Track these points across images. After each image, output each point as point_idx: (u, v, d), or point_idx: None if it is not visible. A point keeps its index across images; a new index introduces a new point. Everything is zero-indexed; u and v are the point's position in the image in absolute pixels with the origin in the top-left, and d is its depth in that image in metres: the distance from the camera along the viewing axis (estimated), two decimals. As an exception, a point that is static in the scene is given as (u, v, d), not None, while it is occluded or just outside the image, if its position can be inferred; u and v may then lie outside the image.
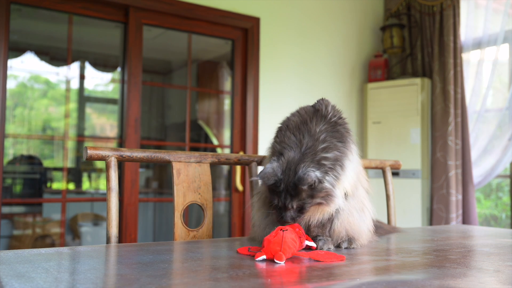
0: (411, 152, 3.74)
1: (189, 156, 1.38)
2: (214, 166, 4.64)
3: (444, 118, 3.67)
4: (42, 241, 4.48)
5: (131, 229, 3.13)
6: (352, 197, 1.09)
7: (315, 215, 1.03)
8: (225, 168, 4.62)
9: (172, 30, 3.52)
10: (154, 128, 6.28)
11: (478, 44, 3.70)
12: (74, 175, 5.79)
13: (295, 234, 0.97)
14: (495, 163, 3.56)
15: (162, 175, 5.81)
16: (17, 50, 4.81)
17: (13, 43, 4.40)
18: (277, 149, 1.03)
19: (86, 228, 4.98)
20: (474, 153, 3.68)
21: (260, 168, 1.22)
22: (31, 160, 5.49)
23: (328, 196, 0.99)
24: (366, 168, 1.71)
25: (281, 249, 0.90)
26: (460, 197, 3.61)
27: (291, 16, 3.82)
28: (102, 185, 5.89)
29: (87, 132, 6.05)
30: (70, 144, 5.38)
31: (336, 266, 0.87)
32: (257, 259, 0.91)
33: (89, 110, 6.09)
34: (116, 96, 6.07)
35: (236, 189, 3.59)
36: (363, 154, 4.06)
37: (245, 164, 1.49)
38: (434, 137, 3.74)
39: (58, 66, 5.17)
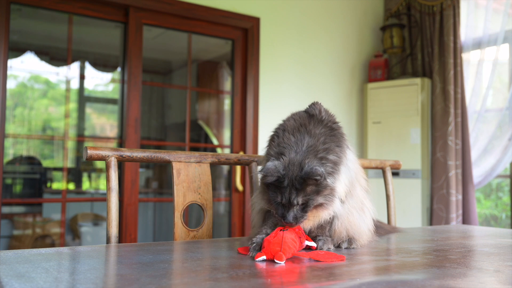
0: (411, 152, 3.74)
1: (189, 156, 1.38)
2: (214, 166, 4.64)
3: (444, 118, 3.67)
4: (42, 241, 4.48)
5: (131, 229, 3.13)
6: (350, 197, 1.08)
7: (314, 218, 1.02)
8: (225, 168, 4.62)
9: (172, 30, 3.52)
10: (154, 128, 6.28)
11: (478, 44, 3.70)
12: (74, 175, 5.79)
13: (295, 234, 0.97)
14: (495, 163, 3.56)
15: (162, 175, 5.81)
16: (17, 50, 4.81)
17: (13, 43, 4.40)
18: (275, 151, 1.02)
19: (86, 228, 4.98)
20: (474, 153, 3.68)
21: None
22: (30, 160, 5.49)
23: (330, 196, 0.98)
24: (366, 168, 1.71)
25: (281, 249, 0.90)
26: (460, 197, 3.61)
27: (291, 16, 3.82)
28: (102, 185, 5.89)
29: (87, 132, 6.05)
30: (70, 144, 5.38)
31: (336, 266, 0.87)
32: (257, 259, 0.91)
33: (89, 110, 6.10)
34: (116, 96, 6.07)
35: (236, 189, 3.59)
36: (363, 154, 4.06)
37: (245, 164, 1.49)
38: (434, 137, 3.74)
39: (58, 66, 5.17)
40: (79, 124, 5.81)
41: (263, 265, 0.87)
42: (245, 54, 3.63)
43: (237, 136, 3.60)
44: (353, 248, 1.08)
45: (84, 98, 5.94)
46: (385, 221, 1.62)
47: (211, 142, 5.42)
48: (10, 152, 5.39)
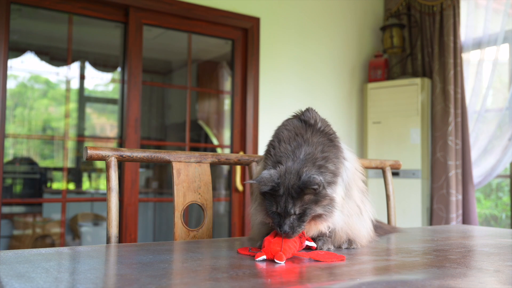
0: (411, 152, 3.74)
1: (189, 156, 1.38)
2: (214, 166, 4.64)
3: (444, 118, 3.67)
4: (42, 241, 4.48)
5: (131, 229, 3.13)
6: (349, 201, 1.07)
7: (313, 231, 0.99)
8: (225, 168, 4.62)
9: (172, 30, 3.52)
10: (154, 128, 6.28)
11: (478, 44, 3.70)
12: (74, 175, 5.79)
13: (295, 234, 0.96)
14: (495, 163, 3.56)
15: (162, 175, 5.81)
16: (17, 50, 4.81)
17: (13, 43, 4.40)
18: (272, 161, 0.98)
19: (86, 228, 4.98)
20: (474, 153, 3.68)
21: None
22: (27, 161, 5.49)
23: (330, 207, 0.95)
24: (366, 168, 1.71)
25: (281, 249, 0.90)
26: (460, 197, 3.61)
27: (291, 16, 3.82)
28: (102, 185, 5.89)
29: (87, 132, 6.05)
30: (70, 144, 5.38)
31: (336, 266, 0.87)
32: (257, 259, 0.91)
33: (89, 110, 6.10)
34: (116, 96, 6.07)
35: (236, 189, 3.59)
36: (363, 154, 4.06)
37: (245, 164, 1.49)
38: (434, 137, 3.74)
39: (58, 66, 5.17)
40: (79, 124, 5.81)
41: (263, 265, 0.87)
42: (245, 54, 3.63)
43: (237, 136, 3.60)
44: (353, 248, 1.08)
45: (84, 98, 5.94)
46: (385, 221, 1.62)
47: (211, 142, 5.42)
48: (10, 152, 5.39)
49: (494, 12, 3.67)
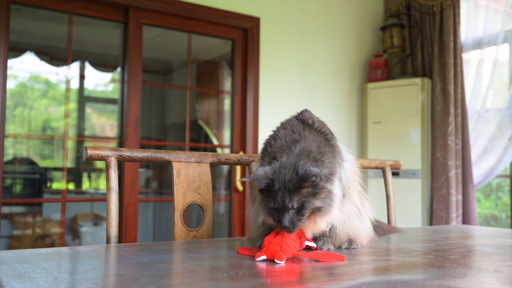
0: (411, 152, 3.74)
1: (189, 156, 1.37)
2: (214, 166, 4.64)
3: (444, 118, 3.67)
4: (42, 241, 4.48)
5: (131, 229, 3.13)
6: (348, 201, 1.07)
7: (313, 228, 0.98)
8: (225, 168, 4.62)
9: (172, 30, 3.52)
10: (154, 128, 6.28)
11: (478, 44, 3.70)
12: (74, 175, 5.79)
13: (295, 234, 0.96)
14: (495, 163, 3.56)
15: (162, 175, 5.81)
16: (17, 50, 4.81)
17: (13, 43, 4.40)
18: (268, 157, 0.98)
19: (86, 228, 4.98)
20: (474, 153, 3.68)
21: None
22: (27, 161, 5.49)
23: (328, 200, 0.94)
24: (366, 168, 1.71)
25: (281, 249, 0.90)
26: (460, 197, 3.61)
27: (291, 16, 3.82)
28: (102, 185, 5.89)
29: (87, 132, 6.05)
30: (70, 144, 5.38)
31: (336, 266, 0.87)
32: (257, 259, 0.91)
33: (89, 110, 6.10)
34: (116, 96, 6.07)
35: (236, 189, 3.59)
36: (363, 154, 4.06)
37: (245, 164, 1.49)
38: (434, 137, 3.74)
39: (58, 66, 5.17)
40: (79, 124, 5.81)
41: (263, 265, 0.87)
42: (245, 54, 3.63)
43: (237, 136, 3.60)
44: (353, 248, 1.08)
45: (84, 98, 5.94)
46: (385, 221, 1.62)
47: (211, 142, 5.42)
48: (10, 152, 5.39)
49: (494, 12, 3.67)
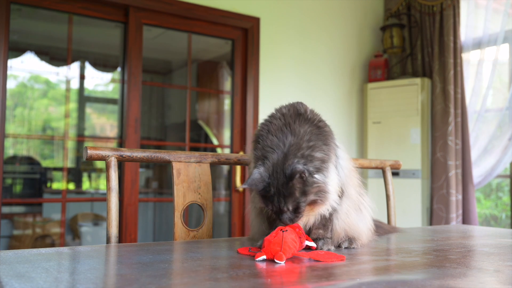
0: (411, 152, 3.74)
1: (189, 156, 1.37)
2: (214, 166, 4.64)
3: (444, 118, 3.67)
4: (42, 241, 4.48)
5: (131, 229, 3.13)
6: (346, 197, 1.07)
7: (312, 216, 1.01)
8: (225, 168, 4.62)
9: (172, 30, 3.52)
10: (154, 128, 6.28)
11: (478, 44, 3.70)
12: (74, 175, 5.79)
13: (295, 234, 0.96)
14: (495, 163, 3.56)
15: (162, 175, 5.81)
16: (17, 50, 4.81)
17: (13, 43, 4.40)
18: (260, 154, 0.99)
19: (86, 228, 4.98)
20: (474, 153, 3.68)
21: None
22: (29, 160, 5.49)
23: (321, 192, 0.96)
24: (366, 168, 1.71)
25: (281, 249, 0.90)
26: (460, 197, 3.61)
27: (291, 16, 3.82)
28: (102, 185, 5.89)
29: (87, 132, 6.05)
30: (70, 144, 5.38)
31: (336, 266, 0.87)
32: (257, 259, 0.91)
33: (89, 110, 6.10)
34: (116, 96, 6.07)
35: (236, 189, 3.59)
36: (363, 154, 4.06)
37: (245, 164, 1.49)
38: (434, 137, 3.74)
39: (58, 66, 5.17)
40: (79, 124, 5.81)
41: (263, 265, 0.87)
42: (245, 54, 3.63)
43: (237, 136, 3.60)
44: (353, 248, 1.08)
45: (84, 98, 5.94)
46: (385, 221, 1.62)
47: (211, 142, 5.42)
48: (10, 152, 5.39)
49: (494, 12, 3.67)
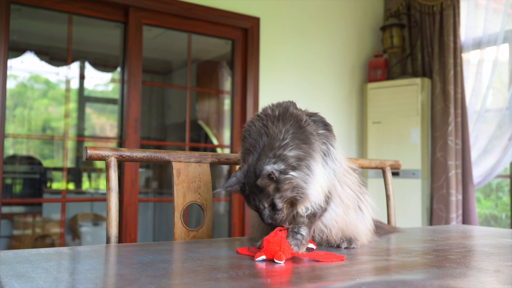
0: (411, 152, 3.74)
1: (189, 156, 1.37)
2: (214, 166, 4.64)
3: (444, 118, 3.67)
4: (42, 241, 4.48)
5: (131, 229, 3.13)
6: (341, 196, 1.06)
7: (292, 212, 0.99)
8: (225, 168, 4.62)
9: (172, 30, 3.52)
10: (154, 128, 6.28)
11: (478, 44, 3.70)
12: (74, 175, 5.79)
13: (295, 234, 0.96)
14: (495, 163, 3.56)
15: (162, 175, 5.81)
16: (17, 50, 4.81)
17: (13, 43, 4.40)
18: (241, 158, 1.03)
19: (86, 228, 4.98)
20: (474, 153, 3.68)
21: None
22: (30, 160, 5.49)
23: (298, 188, 0.95)
24: (366, 168, 1.71)
25: (280, 249, 0.90)
26: (460, 197, 3.61)
27: (291, 16, 3.82)
28: (102, 185, 5.89)
29: (87, 132, 6.05)
30: (70, 144, 5.38)
31: (336, 266, 0.87)
32: (256, 259, 0.91)
33: (89, 110, 6.10)
34: (116, 96, 6.07)
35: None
36: (363, 154, 4.06)
37: (245, 164, 1.49)
38: (434, 137, 3.74)
39: (58, 66, 5.17)
40: (79, 124, 5.81)
41: (263, 265, 0.87)
42: (245, 54, 3.63)
43: (237, 136, 3.60)
44: (353, 248, 1.08)
45: (84, 98, 5.94)
46: (385, 221, 1.62)
47: (211, 142, 5.42)
48: (10, 152, 5.39)
49: (494, 12, 3.68)
